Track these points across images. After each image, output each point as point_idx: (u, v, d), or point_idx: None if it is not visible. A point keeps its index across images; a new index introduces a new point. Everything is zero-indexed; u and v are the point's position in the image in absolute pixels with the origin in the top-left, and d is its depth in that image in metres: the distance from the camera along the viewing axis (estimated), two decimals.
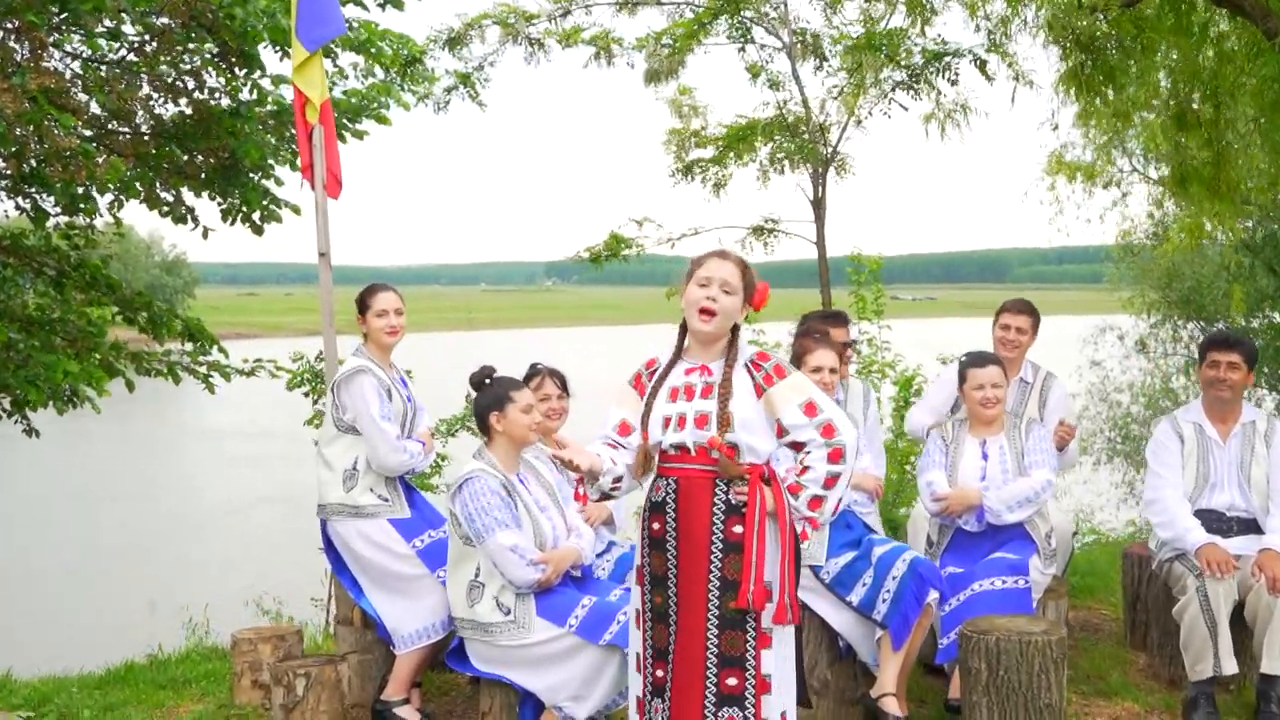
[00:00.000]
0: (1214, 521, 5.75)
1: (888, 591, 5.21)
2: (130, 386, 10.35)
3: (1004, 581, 5.50)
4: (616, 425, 4.39)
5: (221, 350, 10.77)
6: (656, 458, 4.33)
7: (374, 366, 5.76)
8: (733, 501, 4.23)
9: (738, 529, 4.21)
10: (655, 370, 4.41)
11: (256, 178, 9.57)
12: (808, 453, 4.24)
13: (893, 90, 9.16)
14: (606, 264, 10.07)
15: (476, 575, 5.06)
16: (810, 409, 4.23)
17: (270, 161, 9.48)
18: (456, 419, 9.55)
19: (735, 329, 4.37)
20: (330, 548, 5.85)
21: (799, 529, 4.28)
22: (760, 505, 4.21)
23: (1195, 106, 8.60)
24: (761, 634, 4.21)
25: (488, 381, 5.32)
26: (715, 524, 4.23)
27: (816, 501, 4.24)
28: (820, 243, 9.78)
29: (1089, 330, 27.03)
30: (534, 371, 5.86)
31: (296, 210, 9.86)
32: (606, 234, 10.11)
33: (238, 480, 27.85)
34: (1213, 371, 5.85)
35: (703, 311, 4.24)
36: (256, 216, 9.79)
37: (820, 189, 9.61)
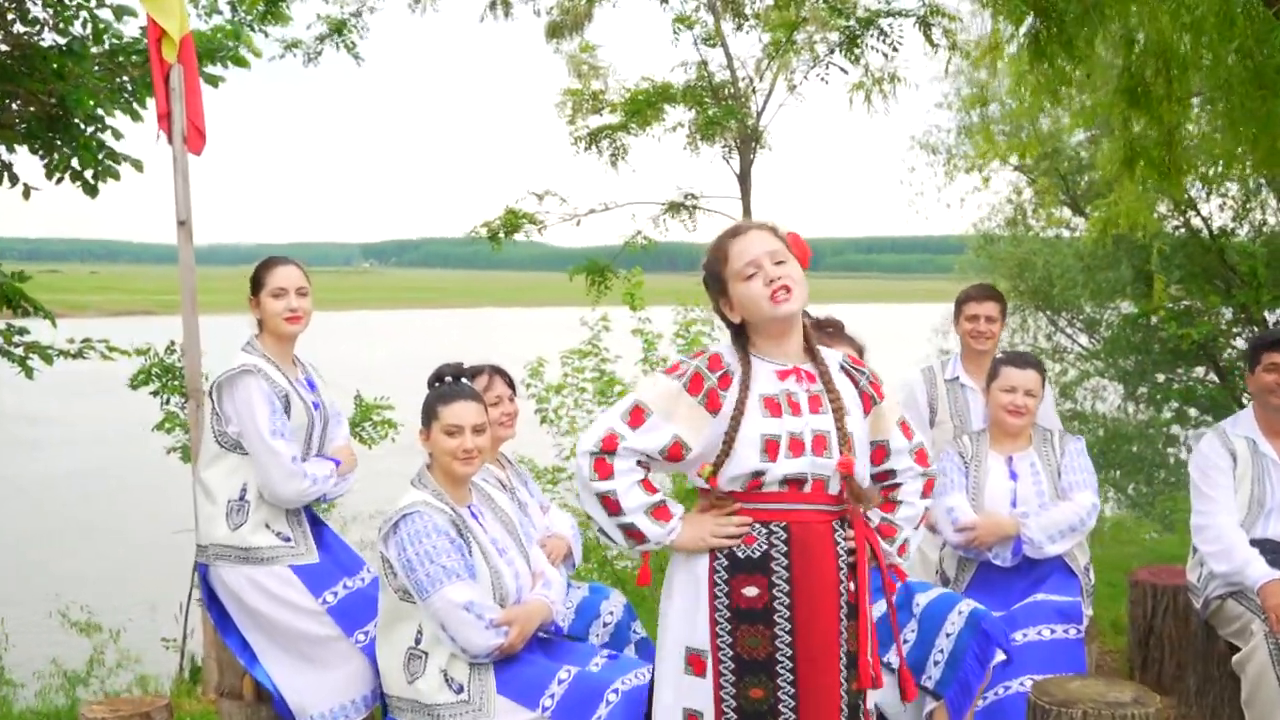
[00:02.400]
0: (1272, 553, 4.89)
1: (941, 652, 4.22)
2: None
3: (1053, 630, 4.57)
4: (665, 446, 3.29)
5: (49, 319, 9.07)
6: (729, 496, 3.31)
7: (266, 365, 4.53)
8: (849, 549, 3.33)
9: (852, 586, 3.30)
10: (724, 373, 3.32)
11: (90, 130, 8.03)
12: (899, 484, 3.49)
13: (830, 52, 8.20)
14: (506, 240, 8.88)
15: (417, 641, 3.90)
16: (906, 429, 3.50)
17: (101, 111, 7.95)
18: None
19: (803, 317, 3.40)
20: (213, 600, 4.58)
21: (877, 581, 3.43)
22: (876, 553, 3.37)
23: (1148, 80, 7.91)
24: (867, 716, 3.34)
25: (438, 384, 4.14)
26: (842, 581, 3.29)
27: (905, 545, 3.51)
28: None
29: (939, 320, 26.89)
30: (474, 370, 4.68)
31: (138, 166, 8.34)
32: (502, 209, 8.91)
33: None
34: (1271, 376, 4.97)
35: (778, 292, 3.22)
36: (89, 174, 8.26)
37: (747, 161, 8.59)
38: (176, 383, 7.96)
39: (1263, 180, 16.37)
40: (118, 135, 8.26)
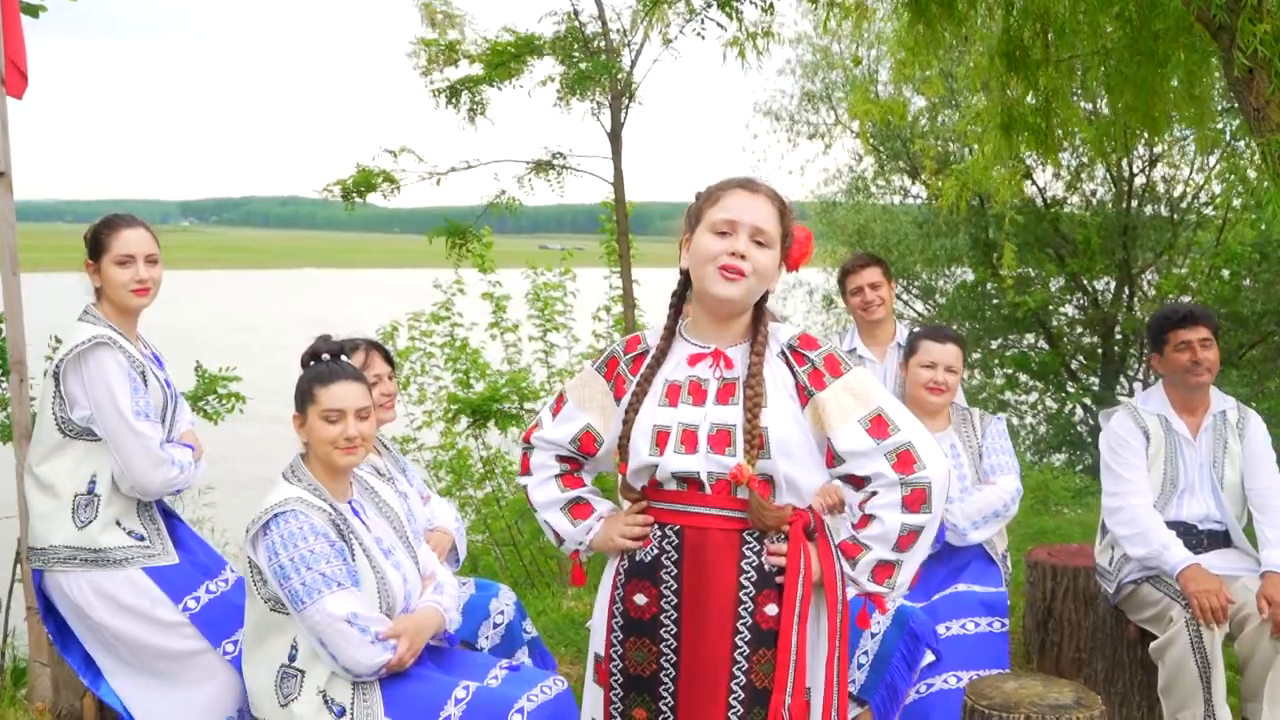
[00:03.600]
0: (1184, 535, 4.69)
1: (865, 654, 3.90)
2: None
3: (977, 624, 4.29)
4: (576, 436, 3.05)
5: None
6: (640, 492, 2.96)
7: (119, 337, 3.93)
8: (767, 568, 2.85)
9: (771, 609, 2.85)
10: (638, 354, 3.01)
11: None
12: (873, 494, 2.92)
13: (707, 6, 7.78)
14: (359, 198, 8.23)
15: (291, 658, 3.40)
16: (879, 426, 2.90)
17: None
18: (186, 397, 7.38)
19: (763, 299, 2.96)
20: (50, 611, 3.98)
21: (855, 609, 2.97)
22: (805, 574, 2.85)
23: (1026, 43, 7.74)
24: None
25: (314, 362, 3.62)
26: (742, 601, 2.84)
27: (885, 570, 2.92)
28: (618, 183, 8.32)
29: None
30: (350, 345, 4.15)
31: None
32: (354, 168, 8.27)
33: None
34: (1184, 355, 4.76)
35: (726, 270, 2.81)
36: None
37: (618, 119, 8.13)
38: None
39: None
40: None
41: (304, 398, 3.54)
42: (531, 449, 3.16)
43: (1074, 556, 5.61)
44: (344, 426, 3.49)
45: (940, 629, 4.21)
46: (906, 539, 2.87)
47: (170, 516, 4.10)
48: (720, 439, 2.84)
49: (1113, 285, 19.20)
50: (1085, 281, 19.11)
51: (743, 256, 2.80)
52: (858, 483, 2.93)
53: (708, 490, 2.86)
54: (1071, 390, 20.41)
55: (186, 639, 3.88)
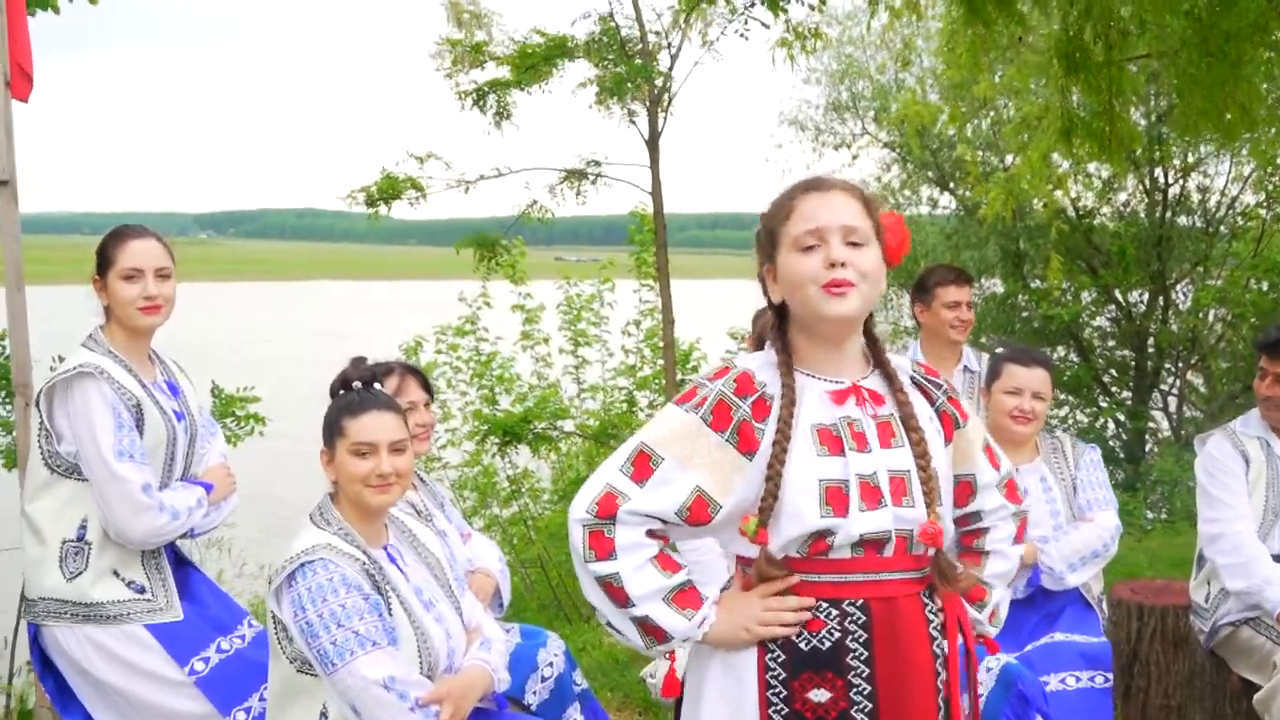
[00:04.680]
0: None
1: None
2: None
3: (1078, 679, 3.87)
4: (684, 504, 2.44)
5: None
6: (783, 566, 2.45)
7: (112, 365, 3.54)
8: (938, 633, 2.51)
9: (945, 676, 2.50)
10: (759, 397, 2.46)
11: None
12: (987, 529, 2.67)
13: (750, 5, 7.39)
14: (384, 206, 7.86)
15: None
16: (991, 454, 2.68)
17: None
18: None
19: (869, 316, 2.54)
20: (47, 667, 3.57)
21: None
22: (965, 632, 2.55)
23: (1087, 44, 7.35)
24: None
25: (344, 390, 3.22)
26: (939, 673, 2.47)
27: (995, 611, 2.71)
28: (656, 192, 7.93)
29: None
30: (384, 368, 3.76)
31: None
32: (379, 173, 7.90)
33: None
34: (1265, 384, 4.39)
35: (832, 287, 2.37)
36: None
37: (655, 126, 7.74)
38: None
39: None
40: None
41: (332, 430, 3.14)
42: (611, 525, 2.46)
43: (1160, 594, 5.17)
44: (376, 462, 3.09)
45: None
46: (1014, 574, 2.73)
47: (181, 563, 3.71)
48: (897, 489, 2.41)
49: (1146, 297, 18.77)
50: (1118, 294, 18.67)
51: (843, 264, 2.38)
52: (964, 521, 2.64)
53: (888, 551, 2.41)
54: (1104, 405, 19.94)
55: (192, 702, 3.48)
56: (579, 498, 2.49)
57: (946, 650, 2.45)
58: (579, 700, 3.88)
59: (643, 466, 2.46)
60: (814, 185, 2.48)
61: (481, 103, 7.94)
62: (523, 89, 8.01)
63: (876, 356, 2.53)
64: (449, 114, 8.54)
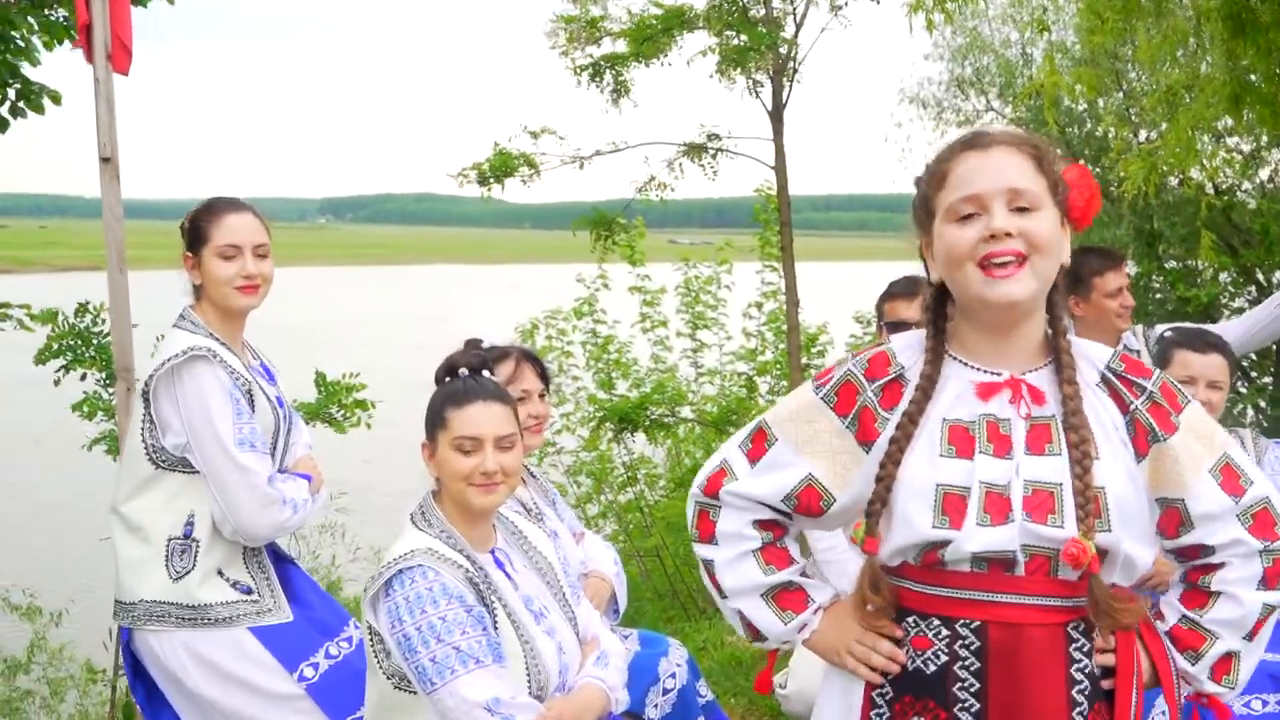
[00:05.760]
0: None
1: None
2: None
3: (1265, 702, 3.46)
4: (793, 491, 2.19)
5: None
6: (900, 576, 2.15)
7: (220, 348, 3.30)
8: (1096, 672, 2.11)
9: None
10: (891, 380, 2.16)
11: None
12: (1219, 565, 2.18)
13: None
14: (497, 185, 7.63)
15: None
16: (1230, 478, 2.17)
17: (15, 26, 6.60)
18: (306, 408, 6.71)
19: (1053, 296, 2.16)
20: (139, 675, 3.36)
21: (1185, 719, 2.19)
22: (1138, 679, 2.11)
23: (1254, 5, 6.80)
24: None
25: (449, 378, 2.94)
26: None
27: (1225, 663, 2.19)
28: (780, 166, 7.57)
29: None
30: (499, 353, 3.48)
31: (56, 98, 7.01)
32: (491, 149, 7.65)
33: None
34: None
35: (995, 257, 2.03)
36: (1, 106, 6.92)
37: (779, 97, 7.37)
38: (91, 355, 6.58)
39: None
40: (33, 59, 6.89)
41: (434, 421, 2.86)
42: (717, 507, 2.28)
43: None
44: (481, 458, 2.80)
45: None
46: (1260, 624, 2.18)
47: (281, 561, 3.48)
48: (1040, 503, 2.05)
49: None
50: (1259, 274, 17.82)
51: (1008, 234, 2.03)
52: (1192, 553, 2.19)
53: (1020, 571, 2.06)
54: (1244, 390, 19.07)
55: (302, 714, 3.24)
56: (702, 470, 2.33)
57: (1088, 695, 2.08)
58: (703, 713, 3.58)
59: (758, 445, 2.26)
60: (972, 142, 2.12)
61: (598, 78, 7.64)
62: (640, 62, 7.70)
63: (1056, 345, 2.16)
64: (564, 95, 8.30)
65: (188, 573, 3.26)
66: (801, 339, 9.73)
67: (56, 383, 6.86)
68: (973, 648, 2.06)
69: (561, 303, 10.98)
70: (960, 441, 2.09)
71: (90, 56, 4.76)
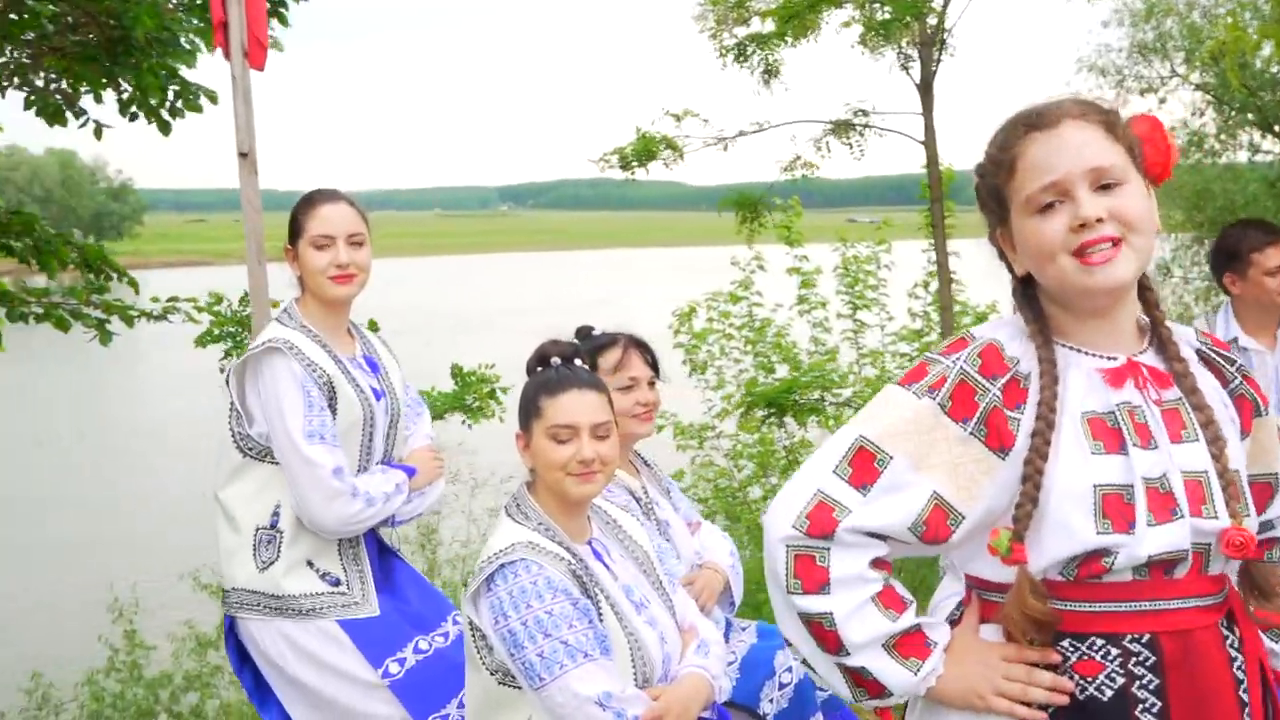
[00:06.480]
0: None
1: None
2: None
3: None
4: (920, 518, 1.92)
5: (130, 282, 8.06)
6: (1054, 596, 1.93)
7: (305, 340, 3.32)
8: (1242, 666, 1.95)
9: None
10: (1011, 378, 1.93)
11: (157, 55, 6.87)
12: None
13: None
14: (639, 169, 7.59)
15: None
16: None
17: (173, 31, 6.79)
18: (444, 398, 6.81)
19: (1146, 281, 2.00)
20: (244, 661, 3.42)
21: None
22: (1265, 666, 2.00)
23: None
24: None
25: (541, 367, 2.90)
26: None
27: None
28: (930, 140, 7.34)
29: None
30: (607, 340, 3.44)
31: (213, 98, 7.22)
32: (633, 133, 7.60)
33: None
34: None
35: (1094, 245, 1.86)
36: (162, 108, 7.14)
37: (929, 70, 7.15)
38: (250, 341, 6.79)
39: None
40: (190, 60, 7.09)
41: (528, 411, 2.82)
42: (825, 550, 1.94)
43: None
44: (576, 447, 2.74)
45: None
46: None
47: (384, 551, 3.48)
48: (1194, 495, 1.89)
49: None
50: None
51: (1100, 220, 1.84)
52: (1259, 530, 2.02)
53: (1181, 573, 1.89)
54: None
55: (385, 705, 3.23)
56: (780, 507, 1.97)
57: (1249, 690, 1.92)
58: (823, 710, 3.46)
59: (864, 468, 1.93)
60: (1035, 122, 1.92)
61: (743, 57, 7.52)
62: (787, 42, 7.55)
63: (1155, 325, 1.99)
64: (714, 79, 8.19)
65: (272, 563, 3.29)
66: (971, 318, 9.45)
67: (222, 370, 7.09)
68: (1149, 664, 1.86)
69: (725, 285, 10.88)
70: (1105, 435, 1.90)
71: (228, 54, 4.86)
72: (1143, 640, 1.87)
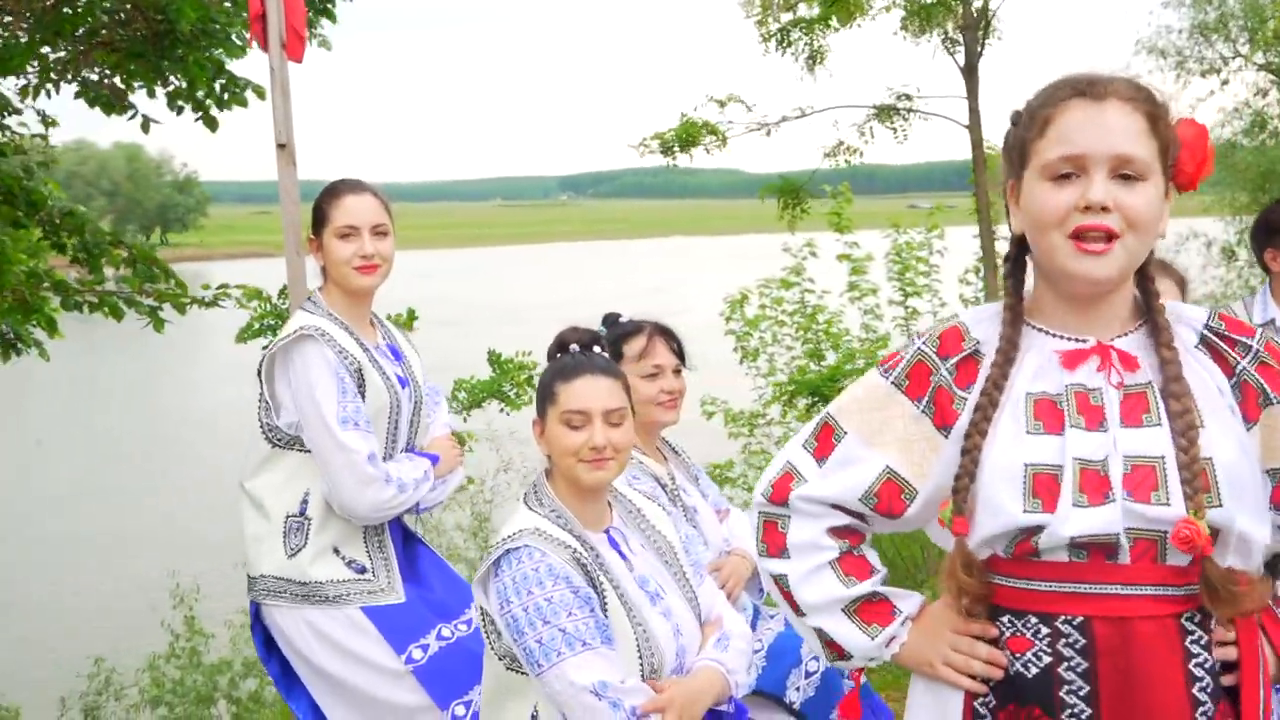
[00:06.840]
0: None
1: None
2: (51, 329, 7.78)
3: None
4: (872, 489, 2.03)
5: (178, 283, 8.19)
6: (990, 571, 1.97)
7: (333, 327, 3.35)
8: (1217, 667, 1.91)
9: None
10: (965, 356, 1.99)
11: (204, 49, 6.95)
12: None
13: None
14: (681, 155, 7.58)
15: None
16: None
17: (219, 24, 6.87)
18: (482, 385, 6.89)
19: (1148, 258, 1.96)
20: (270, 650, 3.45)
21: None
22: (1265, 673, 1.93)
23: None
24: None
25: (559, 354, 2.90)
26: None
27: None
28: (974, 124, 7.27)
29: (1172, 237, 24.70)
30: (632, 328, 3.45)
31: (260, 93, 7.28)
32: (678, 119, 7.59)
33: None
34: None
35: (1084, 237, 1.86)
36: (210, 102, 7.23)
37: (973, 53, 7.07)
38: None
39: None
40: (238, 51, 7.17)
41: (544, 397, 2.82)
42: (786, 516, 2.12)
43: None
44: (589, 433, 2.73)
45: None
46: None
47: (409, 539, 3.51)
48: (1142, 480, 1.86)
49: None
50: None
51: (1104, 208, 1.83)
52: None
53: (1123, 558, 1.87)
54: None
55: (409, 693, 3.25)
56: (763, 476, 2.15)
57: (1211, 693, 1.87)
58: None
59: (825, 441, 2.09)
60: (1085, 88, 1.89)
61: (785, 43, 7.48)
62: (831, 26, 7.49)
63: (1150, 310, 1.96)
64: (755, 66, 8.16)
65: (300, 549, 3.32)
66: None
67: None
68: (1078, 646, 1.87)
69: (778, 272, 10.83)
70: (1048, 416, 1.91)
71: (264, 46, 4.89)
72: (1074, 623, 1.88)
